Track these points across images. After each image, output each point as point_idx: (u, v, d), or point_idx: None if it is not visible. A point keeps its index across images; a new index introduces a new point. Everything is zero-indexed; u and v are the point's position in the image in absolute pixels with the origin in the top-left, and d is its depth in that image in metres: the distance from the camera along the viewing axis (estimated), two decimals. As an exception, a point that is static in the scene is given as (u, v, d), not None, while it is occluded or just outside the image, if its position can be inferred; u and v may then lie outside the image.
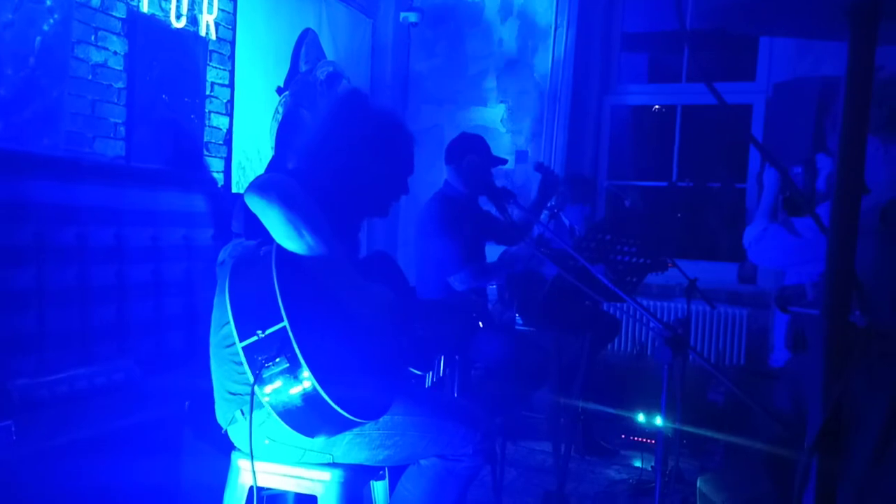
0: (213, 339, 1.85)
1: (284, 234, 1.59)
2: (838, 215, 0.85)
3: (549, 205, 3.76)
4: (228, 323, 1.70)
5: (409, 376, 2.01)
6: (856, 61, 0.84)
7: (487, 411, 2.75)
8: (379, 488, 2.09)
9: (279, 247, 1.60)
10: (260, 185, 1.61)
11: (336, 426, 1.67)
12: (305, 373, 1.52)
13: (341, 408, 1.56)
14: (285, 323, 1.52)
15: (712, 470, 3.09)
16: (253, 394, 1.59)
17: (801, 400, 1.99)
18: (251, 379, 1.57)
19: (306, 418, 1.61)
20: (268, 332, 1.54)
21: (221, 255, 1.84)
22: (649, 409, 3.76)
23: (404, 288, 2.07)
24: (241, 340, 1.57)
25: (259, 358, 1.55)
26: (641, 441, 3.90)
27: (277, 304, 1.53)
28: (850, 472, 1.45)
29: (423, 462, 1.89)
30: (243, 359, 1.58)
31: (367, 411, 1.67)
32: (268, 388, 1.58)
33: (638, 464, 3.74)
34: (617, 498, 3.35)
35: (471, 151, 3.32)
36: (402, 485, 1.93)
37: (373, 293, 1.88)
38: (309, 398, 1.55)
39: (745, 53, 4.89)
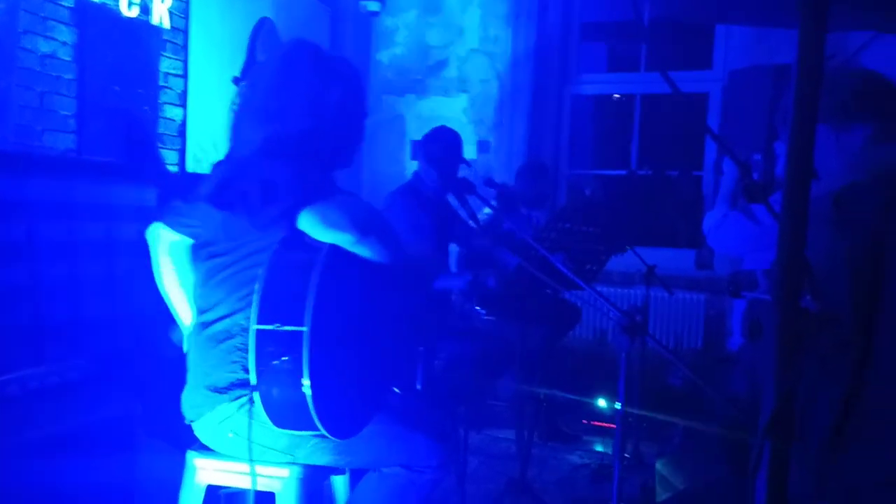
0: (204, 332, 1.77)
1: (382, 257, 1.71)
2: (789, 202, 0.86)
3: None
4: (229, 317, 1.71)
5: (390, 394, 2.00)
6: (806, 49, 0.85)
7: (454, 424, 2.79)
8: (339, 483, 2.07)
9: (330, 253, 1.60)
10: (357, 224, 1.64)
11: (307, 432, 1.68)
12: (305, 382, 1.54)
13: (322, 424, 1.59)
14: (306, 329, 1.53)
15: (670, 453, 3.14)
16: (250, 387, 1.60)
17: (757, 384, 2.02)
18: (252, 363, 1.57)
19: (285, 416, 1.63)
20: (286, 328, 1.55)
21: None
22: (611, 395, 3.80)
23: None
24: (258, 323, 1.57)
25: (268, 349, 1.56)
26: (603, 426, 3.95)
27: (306, 307, 1.53)
28: (808, 458, 1.47)
29: (385, 470, 1.85)
30: (252, 342, 1.57)
31: (344, 431, 1.69)
32: (264, 377, 1.58)
33: (600, 448, 3.78)
34: (578, 483, 3.38)
35: (440, 143, 3.30)
36: (360, 489, 1.88)
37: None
38: (297, 404, 1.56)
39: (703, 42, 4.94)
